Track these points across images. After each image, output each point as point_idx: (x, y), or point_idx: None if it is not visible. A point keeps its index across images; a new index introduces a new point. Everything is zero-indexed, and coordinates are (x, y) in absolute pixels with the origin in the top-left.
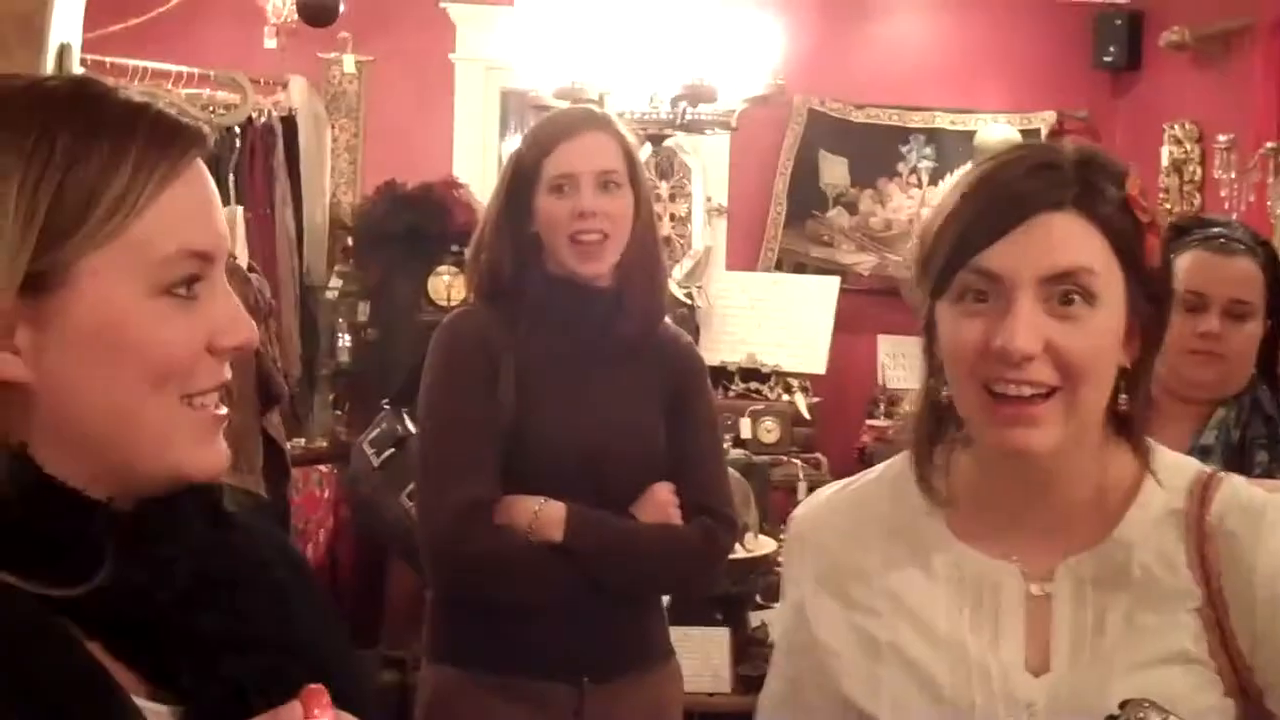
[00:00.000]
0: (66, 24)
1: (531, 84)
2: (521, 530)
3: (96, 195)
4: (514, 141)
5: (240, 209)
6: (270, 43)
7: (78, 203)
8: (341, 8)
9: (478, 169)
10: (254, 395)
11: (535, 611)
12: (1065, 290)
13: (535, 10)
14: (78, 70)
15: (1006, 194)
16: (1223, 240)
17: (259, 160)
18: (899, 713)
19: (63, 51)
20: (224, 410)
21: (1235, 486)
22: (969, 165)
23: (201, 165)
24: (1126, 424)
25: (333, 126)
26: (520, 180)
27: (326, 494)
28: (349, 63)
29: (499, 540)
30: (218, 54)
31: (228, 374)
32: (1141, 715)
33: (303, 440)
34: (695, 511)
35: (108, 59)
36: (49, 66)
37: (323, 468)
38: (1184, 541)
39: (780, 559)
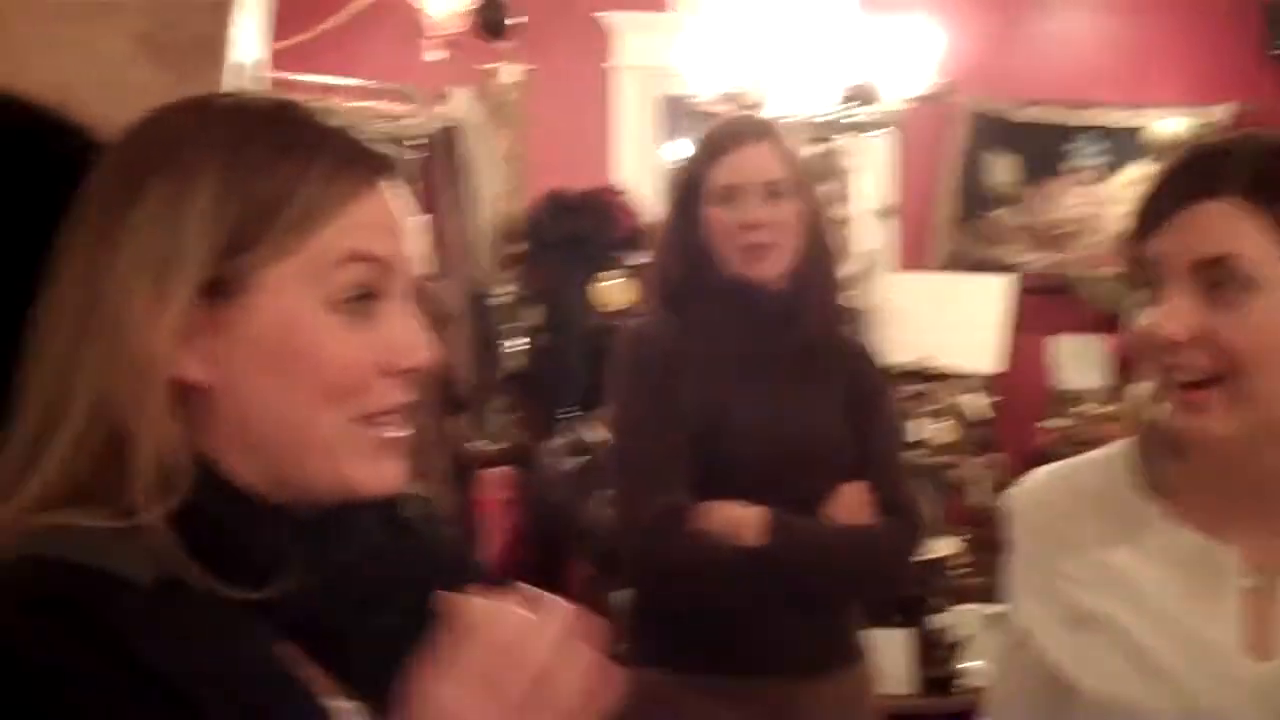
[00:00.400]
0: (246, 45)
1: (692, 90)
2: (722, 535)
3: (281, 208)
4: (674, 147)
5: (427, 218)
6: (432, 55)
7: (263, 214)
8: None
9: (638, 175)
10: (437, 401)
11: (737, 614)
12: (1218, 276)
13: (695, 16)
14: (254, 88)
15: (1170, 183)
16: None
17: (424, 171)
18: (1106, 681)
19: (241, 71)
20: (403, 432)
21: None
22: (1140, 161)
23: (388, 189)
24: None
25: (495, 136)
26: (688, 190)
27: (504, 496)
28: (510, 73)
29: (699, 545)
30: (380, 67)
31: (407, 396)
32: None
33: (480, 443)
34: (884, 512)
35: (279, 74)
36: (229, 86)
37: (499, 470)
38: None
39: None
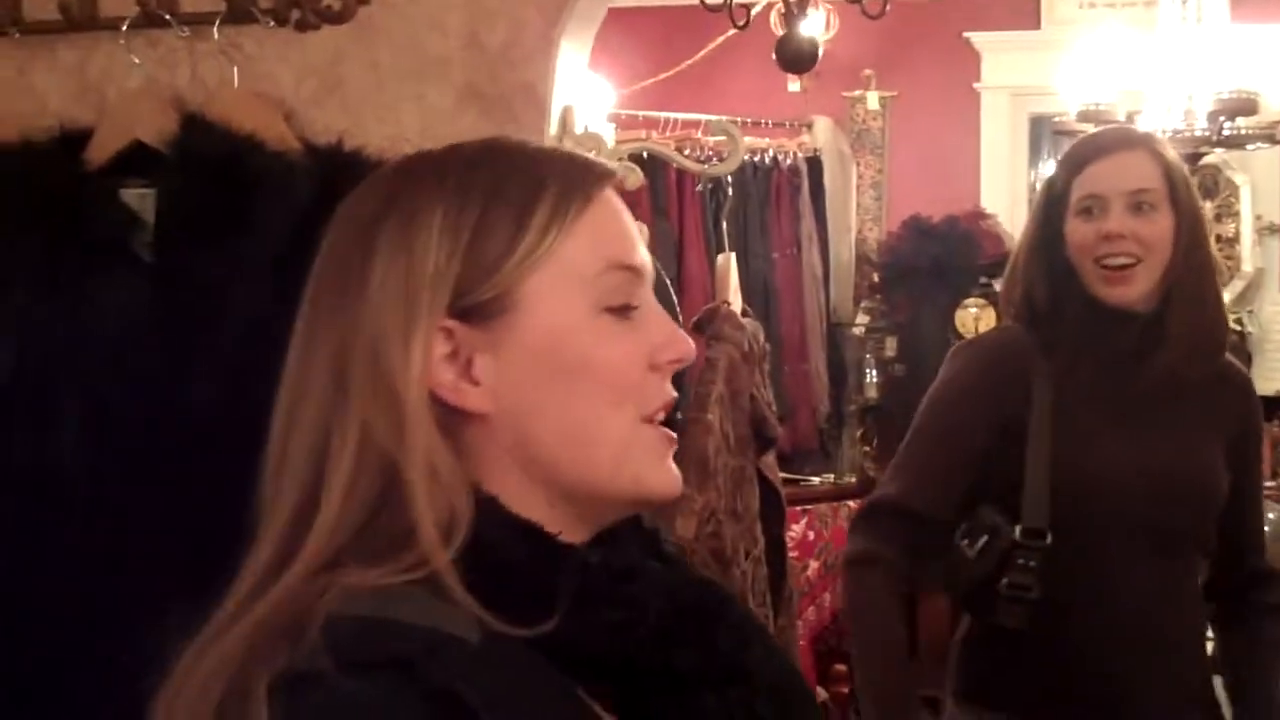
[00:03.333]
0: (569, 88)
1: (1060, 108)
2: None
3: (524, 220)
4: (1045, 168)
5: (733, 255)
6: (794, 86)
7: (506, 230)
8: (820, 52)
9: (1006, 198)
10: (750, 437)
11: (1070, 655)
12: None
13: (1062, 32)
14: (581, 129)
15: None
16: None
17: (784, 201)
18: None
19: (565, 114)
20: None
21: None
22: None
23: (615, 196)
24: None
25: (858, 164)
26: (1051, 203)
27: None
28: (873, 99)
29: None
30: (742, 101)
31: (673, 392)
32: None
33: (831, 476)
34: (1249, 579)
35: (640, 112)
36: (553, 128)
37: (852, 503)
38: None
39: None
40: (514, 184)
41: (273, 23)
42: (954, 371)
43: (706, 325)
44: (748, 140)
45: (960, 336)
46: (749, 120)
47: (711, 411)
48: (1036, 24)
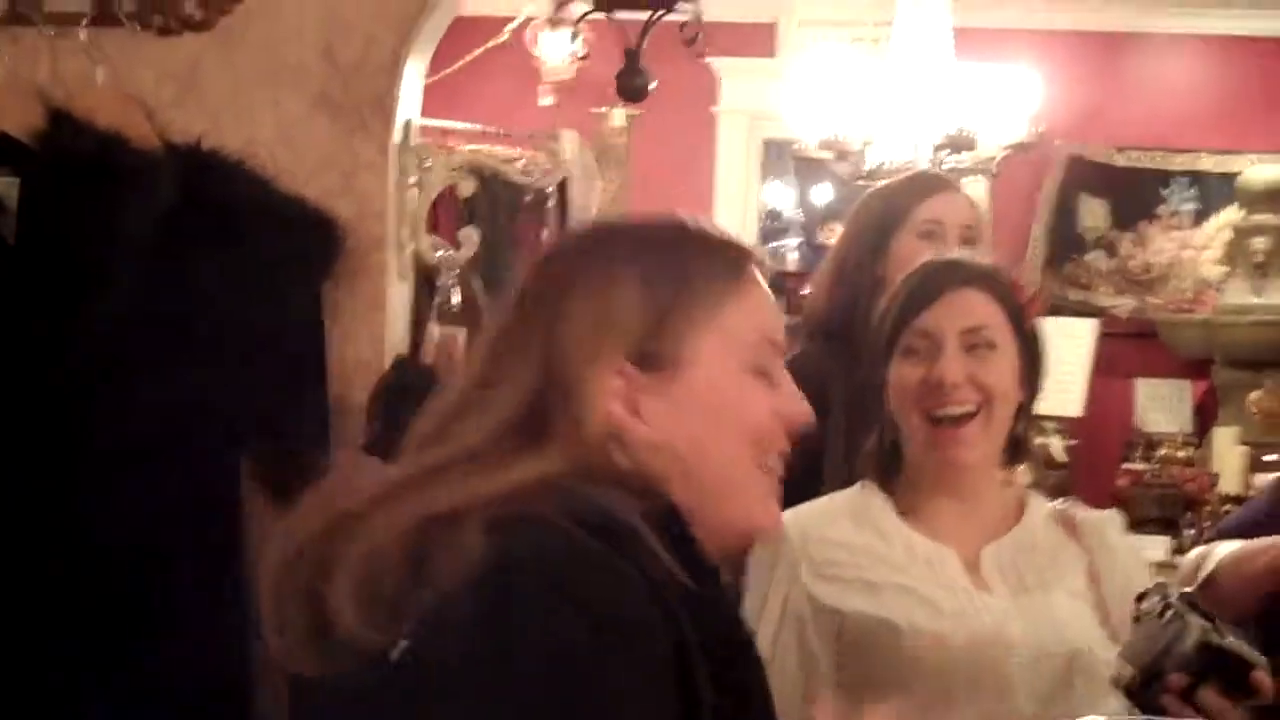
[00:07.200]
0: (411, 102)
1: (796, 134)
2: None
3: (697, 289)
4: (773, 189)
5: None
6: (546, 100)
7: (685, 297)
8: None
9: (738, 218)
10: None
11: None
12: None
13: (799, 62)
14: (416, 141)
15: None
16: None
17: (532, 212)
18: (907, 614)
19: (408, 126)
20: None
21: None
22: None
23: (759, 273)
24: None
25: (601, 178)
26: (873, 229)
27: None
28: (618, 116)
29: None
30: (493, 111)
31: (787, 445)
32: (1166, 594)
33: None
34: None
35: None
36: (397, 139)
37: None
38: (1063, 530)
39: None
40: (694, 261)
41: (138, 27)
42: None
43: None
44: (498, 151)
45: None
46: (499, 131)
47: None
48: (772, 52)
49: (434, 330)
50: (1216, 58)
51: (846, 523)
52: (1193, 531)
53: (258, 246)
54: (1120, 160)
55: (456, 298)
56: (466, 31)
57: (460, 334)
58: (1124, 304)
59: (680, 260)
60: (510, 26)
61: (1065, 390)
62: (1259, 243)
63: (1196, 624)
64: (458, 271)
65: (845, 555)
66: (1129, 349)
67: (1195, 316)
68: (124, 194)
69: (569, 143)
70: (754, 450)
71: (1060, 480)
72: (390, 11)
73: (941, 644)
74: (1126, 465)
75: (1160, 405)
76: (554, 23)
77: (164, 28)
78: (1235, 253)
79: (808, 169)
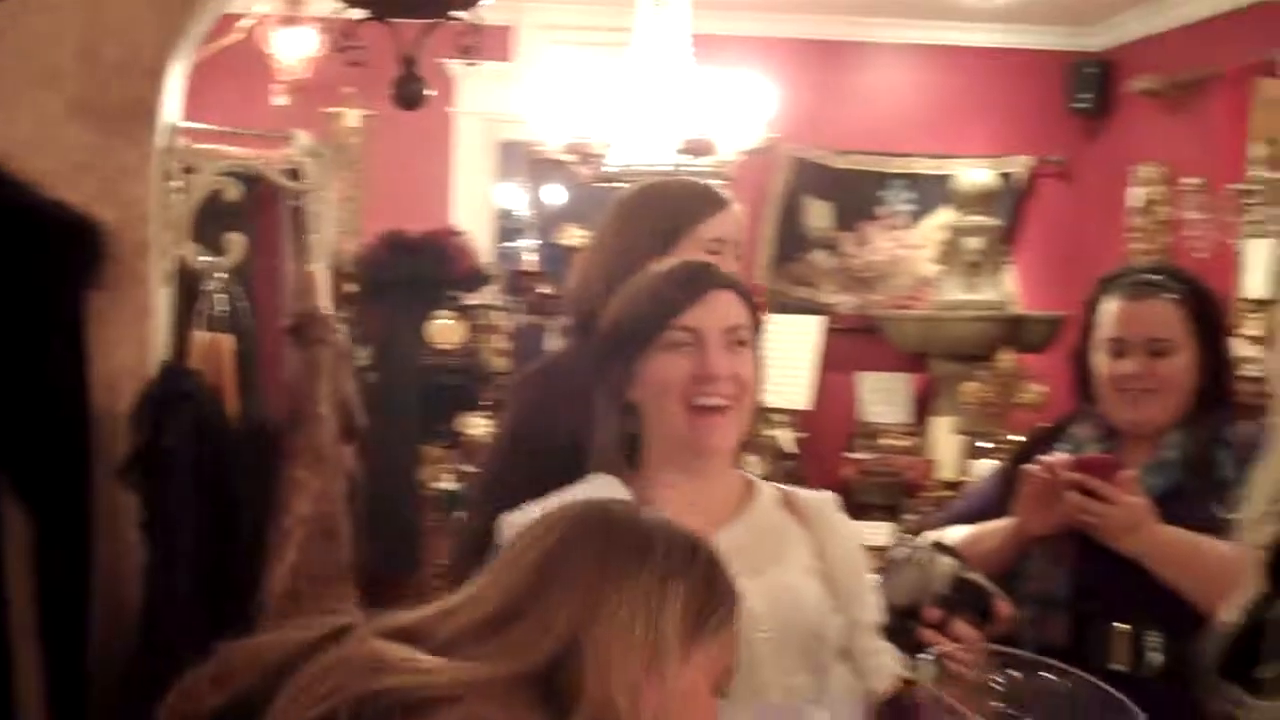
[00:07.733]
0: (173, 105)
1: (537, 137)
2: None
3: (711, 615)
4: (507, 188)
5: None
6: (280, 99)
7: (703, 622)
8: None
9: (475, 217)
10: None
11: None
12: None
13: (535, 66)
14: (178, 144)
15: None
16: (1137, 284)
17: (266, 213)
18: None
19: (171, 130)
20: None
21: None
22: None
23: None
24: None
25: (335, 179)
26: (659, 236)
27: None
28: (352, 116)
29: None
30: (224, 111)
31: None
32: (919, 543)
33: None
34: None
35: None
36: (160, 143)
37: None
38: (787, 512)
39: None
40: (718, 583)
41: None
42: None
43: (305, 330)
44: (233, 150)
45: (431, 346)
46: (231, 130)
47: (324, 406)
48: (507, 55)
49: (200, 337)
50: (932, 67)
51: None
52: (913, 516)
53: (16, 251)
54: (841, 163)
55: (222, 304)
56: None
57: (227, 340)
58: (847, 301)
59: (709, 584)
60: (242, 24)
61: (795, 384)
62: (971, 242)
63: (947, 562)
64: (222, 277)
65: None
66: (853, 344)
67: (913, 312)
68: None
69: (302, 142)
70: None
71: (791, 470)
72: (154, 14)
73: None
74: (851, 454)
75: (882, 397)
76: (288, 21)
77: None
78: (950, 251)
79: (540, 171)
